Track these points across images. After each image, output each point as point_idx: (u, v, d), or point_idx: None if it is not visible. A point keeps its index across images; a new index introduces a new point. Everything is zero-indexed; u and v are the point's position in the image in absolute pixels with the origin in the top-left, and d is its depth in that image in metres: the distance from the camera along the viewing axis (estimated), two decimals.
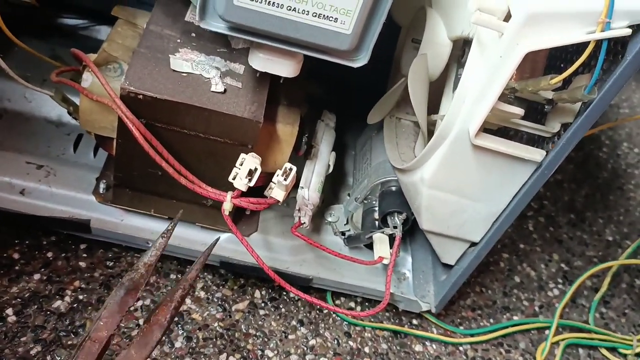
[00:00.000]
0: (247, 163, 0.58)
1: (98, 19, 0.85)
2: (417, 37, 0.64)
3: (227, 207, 0.58)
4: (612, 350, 0.80)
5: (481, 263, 0.85)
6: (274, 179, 0.60)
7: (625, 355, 0.80)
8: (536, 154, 0.56)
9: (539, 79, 0.50)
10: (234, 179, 0.58)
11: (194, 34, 0.63)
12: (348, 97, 0.83)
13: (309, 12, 0.47)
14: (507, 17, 0.48)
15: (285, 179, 0.59)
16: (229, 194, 0.59)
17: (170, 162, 0.59)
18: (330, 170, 0.74)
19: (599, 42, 0.46)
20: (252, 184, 0.58)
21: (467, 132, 0.54)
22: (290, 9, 0.46)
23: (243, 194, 0.62)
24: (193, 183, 0.60)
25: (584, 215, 0.99)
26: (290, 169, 0.59)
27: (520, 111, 0.53)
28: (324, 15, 0.47)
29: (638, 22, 0.46)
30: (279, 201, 0.60)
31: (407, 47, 0.69)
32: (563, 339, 0.79)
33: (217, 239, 0.56)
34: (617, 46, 0.50)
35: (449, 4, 0.59)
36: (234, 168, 0.59)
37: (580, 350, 0.79)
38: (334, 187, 0.82)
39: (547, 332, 0.79)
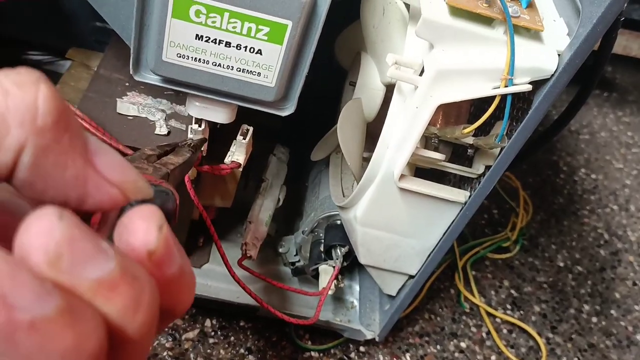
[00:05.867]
0: None
1: (62, 54, 0.88)
2: (353, 81, 0.67)
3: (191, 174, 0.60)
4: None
5: (432, 289, 0.89)
6: (233, 145, 0.60)
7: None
8: (460, 196, 0.59)
9: (454, 128, 0.53)
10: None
11: None
12: (304, 130, 0.86)
13: (233, 68, 0.50)
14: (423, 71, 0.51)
15: (243, 138, 0.59)
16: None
17: None
18: (280, 203, 0.76)
19: (504, 96, 0.50)
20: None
21: (393, 174, 0.57)
22: (215, 65, 0.50)
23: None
24: None
25: (537, 241, 1.02)
26: (247, 130, 0.60)
27: (440, 156, 0.56)
28: (247, 70, 0.50)
29: (538, 79, 0.49)
30: (240, 164, 0.60)
31: (346, 89, 0.72)
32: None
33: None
34: (531, 95, 0.53)
35: (381, 50, 0.62)
36: None
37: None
38: (288, 218, 0.85)
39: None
